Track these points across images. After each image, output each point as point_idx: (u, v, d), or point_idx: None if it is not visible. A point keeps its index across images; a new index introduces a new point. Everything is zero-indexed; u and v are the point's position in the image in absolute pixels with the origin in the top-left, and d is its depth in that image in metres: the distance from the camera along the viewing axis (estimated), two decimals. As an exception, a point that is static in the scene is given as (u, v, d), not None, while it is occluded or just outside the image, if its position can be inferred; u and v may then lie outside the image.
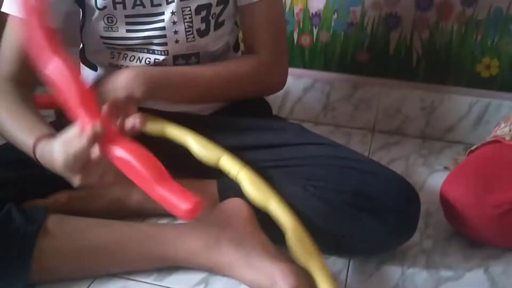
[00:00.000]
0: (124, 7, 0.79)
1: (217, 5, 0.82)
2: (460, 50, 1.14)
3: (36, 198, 0.77)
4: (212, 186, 0.83)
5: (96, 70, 0.90)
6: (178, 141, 0.78)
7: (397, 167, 1.07)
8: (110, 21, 0.80)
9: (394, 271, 0.79)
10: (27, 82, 0.78)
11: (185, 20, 0.81)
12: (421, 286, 0.77)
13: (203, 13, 0.81)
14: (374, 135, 1.22)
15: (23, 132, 0.71)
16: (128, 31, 0.81)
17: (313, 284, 0.67)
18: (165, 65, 0.84)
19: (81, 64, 0.92)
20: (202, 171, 0.82)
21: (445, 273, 0.80)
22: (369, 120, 1.24)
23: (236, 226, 0.75)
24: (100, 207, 0.82)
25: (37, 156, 0.68)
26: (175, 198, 0.57)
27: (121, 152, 0.60)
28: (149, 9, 0.79)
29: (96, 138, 0.59)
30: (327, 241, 0.74)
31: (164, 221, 0.84)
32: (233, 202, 0.78)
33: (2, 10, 0.78)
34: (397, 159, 1.13)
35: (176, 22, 0.80)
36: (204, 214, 0.77)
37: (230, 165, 0.74)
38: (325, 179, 0.75)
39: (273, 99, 1.02)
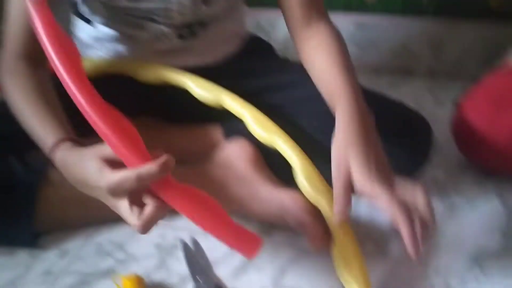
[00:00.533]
0: None
1: None
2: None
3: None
4: (216, 130, 0.82)
5: (92, 25, 0.85)
6: (177, 85, 0.76)
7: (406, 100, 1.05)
8: None
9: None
10: (39, 58, 0.68)
11: None
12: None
13: None
14: (381, 74, 1.19)
15: (42, 128, 0.64)
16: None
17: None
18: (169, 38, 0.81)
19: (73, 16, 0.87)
20: (203, 119, 0.81)
21: (458, 199, 0.79)
22: (375, 60, 1.21)
23: (240, 165, 0.74)
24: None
25: (56, 161, 0.61)
26: (240, 243, 0.56)
27: (176, 194, 0.55)
28: None
29: (150, 178, 0.52)
30: None
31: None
32: (236, 142, 0.77)
33: None
34: (405, 96, 1.10)
35: None
36: (209, 157, 0.78)
37: (233, 103, 0.72)
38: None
39: (276, 43, 0.99)
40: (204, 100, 0.75)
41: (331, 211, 0.61)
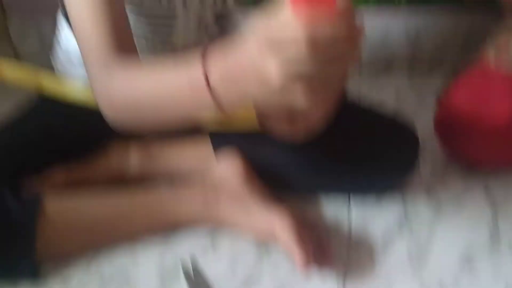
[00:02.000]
0: None
1: None
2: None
3: (32, 174, 0.75)
4: (206, 144, 0.83)
5: None
6: None
7: (388, 97, 1.08)
8: None
9: (394, 199, 0.81)
10: (130, 44, 0.62)
11: None
12: (423, 213, 0.79)
13: None
14: (362, 69, 1.21)
15: (175, 71, 0.54)
16: None
17: (311, 225, 0.70)
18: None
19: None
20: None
21: (445, 195, 0.82)
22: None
23: (232, 182, 0.76)
24: (98, 177, 0.81)
25: (216, 84, 0.50)
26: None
27: None
28: None
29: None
30: (327, 178, 0.78)
31: (163, 186, 0.84)
32: (227, 159, 0.79)
33: None
34: (386, 89, 1.13)
35: None
36: (200, 173, 0.79)
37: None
38: None
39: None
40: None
41: None
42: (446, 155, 0.89)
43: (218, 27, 0.81)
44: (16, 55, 1.31)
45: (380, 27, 1.18)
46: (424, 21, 1.16)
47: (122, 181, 0.82)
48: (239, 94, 0.49)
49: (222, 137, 0.81)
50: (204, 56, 0.51)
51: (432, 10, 1.16)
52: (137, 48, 0.64)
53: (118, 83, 0.58)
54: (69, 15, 0.63)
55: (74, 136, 0.80)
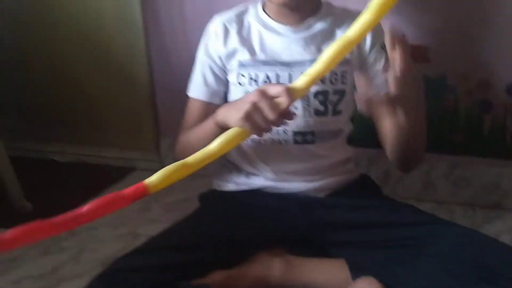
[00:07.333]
0: (256, 85, 1.00)
1: (334, 94, 0.99)
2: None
3: (196, 278, 0.91)
4: (341, 265, 0.95)
5: None
6: None
7: (504, 240, 1.14)
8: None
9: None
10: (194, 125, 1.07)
11: (303, 100, 0.98)
12: None
13: (321, 98, 0.99)
14: (476, 210, 1.31)
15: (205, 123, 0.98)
16: None
17: None
18: (285, 140, 1.01)
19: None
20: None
21: None
22: (469, 196, 1.34)
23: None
24: (247, 282, 0.94)
25: (218, 116, 0.91)
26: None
27: None
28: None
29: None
30: None
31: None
32: (366, 282, 0.89)
33: (189, 94, 1.08)
34: (501, 232, 1.21)
35: None
36: None
37: None
38: (451, 255, 0.84)
39: (376, 179, 1.14)
40: None
41: None
42: None
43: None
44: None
45: (494, 173, 1.30)
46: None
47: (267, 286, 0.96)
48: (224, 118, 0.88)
49: (360, 262, 0.91)
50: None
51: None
52: None
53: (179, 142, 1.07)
54: None
55: (233, 245, 0.96)
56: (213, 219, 1.00)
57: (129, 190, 0.71)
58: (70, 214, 0.66)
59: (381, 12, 0.72)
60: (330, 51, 0.75)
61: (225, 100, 1.07)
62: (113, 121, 1.68)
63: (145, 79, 1.59)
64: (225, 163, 1.09)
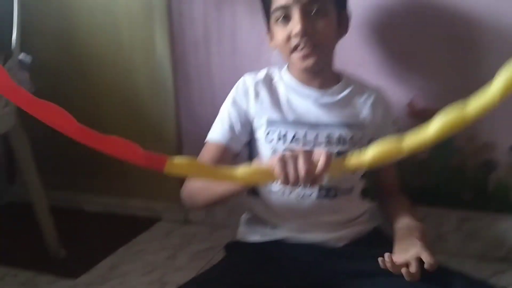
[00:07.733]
0: (284, 142, 1.09)
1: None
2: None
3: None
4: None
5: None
6: None
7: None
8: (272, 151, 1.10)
9: None
10: None
11: None
12: None
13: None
14: (484, 263, 1.37)
15: (223, 184, 1.01)
16: None
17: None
18: (309, 195, 1.09)
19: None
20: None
21: None
22: (478, 249, 1.41)
23: None
24: None
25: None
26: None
27: None
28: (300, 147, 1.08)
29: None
30: None
31: None
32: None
33: (209, 139, 1.15)
34: (509, 285, 1.27)
35: None
36: None
37: None
38: None
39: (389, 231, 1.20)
40: None
41: None
42: None
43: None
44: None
45: (501, 228, 1.37)
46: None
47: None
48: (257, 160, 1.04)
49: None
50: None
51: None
52: None
53: (187, 185, 1.12)
54: None
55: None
56: (239, 268, 1.07)
57: (149, 155, 0.78)
58: (92, 132, 0.76)
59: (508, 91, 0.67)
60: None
61: (242, 149, 1.16)
62: (141, 173, 1.77)
63: (173, 134, 1.70)
64: (251, 216, 1.18)
